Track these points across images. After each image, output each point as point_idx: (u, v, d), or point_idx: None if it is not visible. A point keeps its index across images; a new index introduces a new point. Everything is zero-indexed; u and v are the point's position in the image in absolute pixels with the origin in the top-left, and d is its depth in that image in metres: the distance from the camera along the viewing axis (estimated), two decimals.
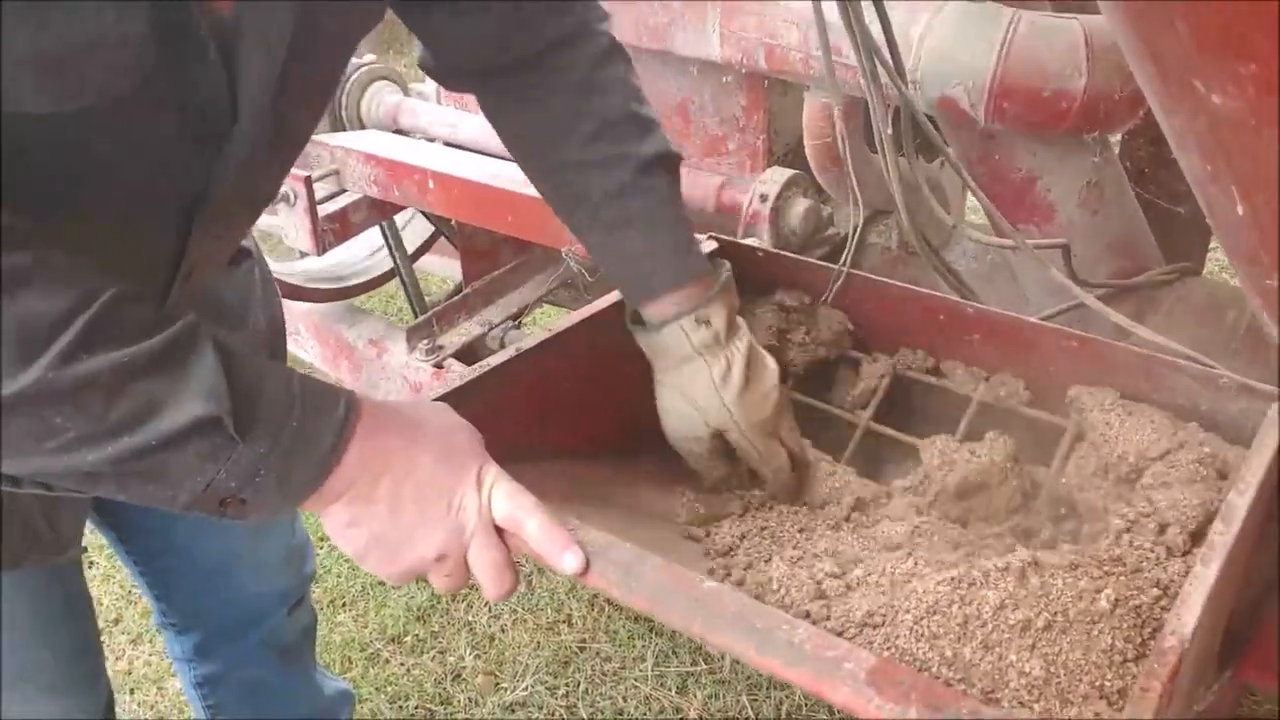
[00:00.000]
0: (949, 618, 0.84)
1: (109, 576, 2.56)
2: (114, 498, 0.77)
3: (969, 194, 1.70)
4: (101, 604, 2.44)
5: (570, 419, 1.18)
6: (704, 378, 1.10)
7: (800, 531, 1.09)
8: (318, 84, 0.98)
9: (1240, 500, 0.89)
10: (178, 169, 0.85)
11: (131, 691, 2.25)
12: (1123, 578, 0.90)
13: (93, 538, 1.39)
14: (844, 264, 1.31)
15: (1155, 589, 0.89)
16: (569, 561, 0.83)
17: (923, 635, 0.83)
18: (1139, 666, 0.84)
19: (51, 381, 0.68)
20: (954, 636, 0.82)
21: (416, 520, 0.84)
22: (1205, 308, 1.55)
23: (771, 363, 1.15)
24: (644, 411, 1.16)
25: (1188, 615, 0.77)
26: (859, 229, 1.39)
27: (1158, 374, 1.13)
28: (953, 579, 0.89)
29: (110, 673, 2.25)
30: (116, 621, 2.43)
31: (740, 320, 1.14)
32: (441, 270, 2.96)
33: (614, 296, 1.22)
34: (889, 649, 0.82)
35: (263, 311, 1.28)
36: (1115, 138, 1.69)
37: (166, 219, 0.89)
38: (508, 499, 0.86)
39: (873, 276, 1.31)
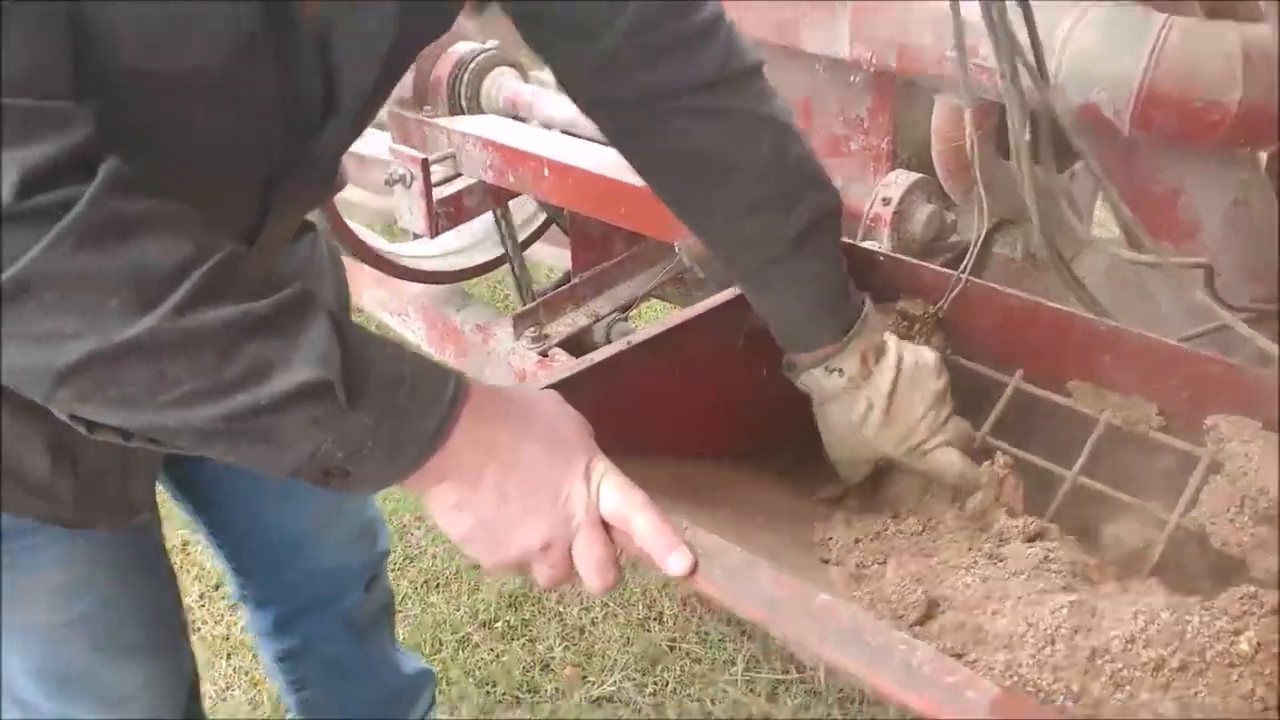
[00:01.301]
0: (1074, 649, 0.79)
1: (198, 543, 2.61)
2: (222, 459, 0.77)
3: (1099, 208, 1.64)
4: (205, 568, 2.50)
5: (683, 417, 1.15)
6: (844, 419, 1.15)
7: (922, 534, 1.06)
8: (396, 81, 1.00)
9: None
10: (267, 152, 0.87)
11: (229, 656, 2.30)
12: (1264, 619, 0.85)
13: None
14: (964, 270, 1.26)
15: None
16: (676, 563, 0.81)
17: (1045, 665, 0.79)
18: None
19: (167, 331, 0.68)
20: (1080, 669, 0.78)
21: (523, 510, 0.83)
22: None
23: (931, 382, 1.16)
24: (766, 414, 1.14)
25: None
26: (983, 235, 1.33)
27: None
28: (1074, 603, 0.84)
29: (209, 637, 2.32)
30: (217, 587, 2.48)
31: (890, 344, 1.16)
32: (550, 259, 2.96)
33: (732, 293, 1.19)
34: (1011, 676, 0.78)
35: (330, 289, 1.30)
36: (1264, 154, 1.60)
37: (249, 198, 0.92)
38: (617, 493, 0.84)
39: (996, 286, 1.26)
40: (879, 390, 1.13)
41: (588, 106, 1.09)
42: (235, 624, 2.39)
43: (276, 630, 1.57)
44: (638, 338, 1.10)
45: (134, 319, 0.68)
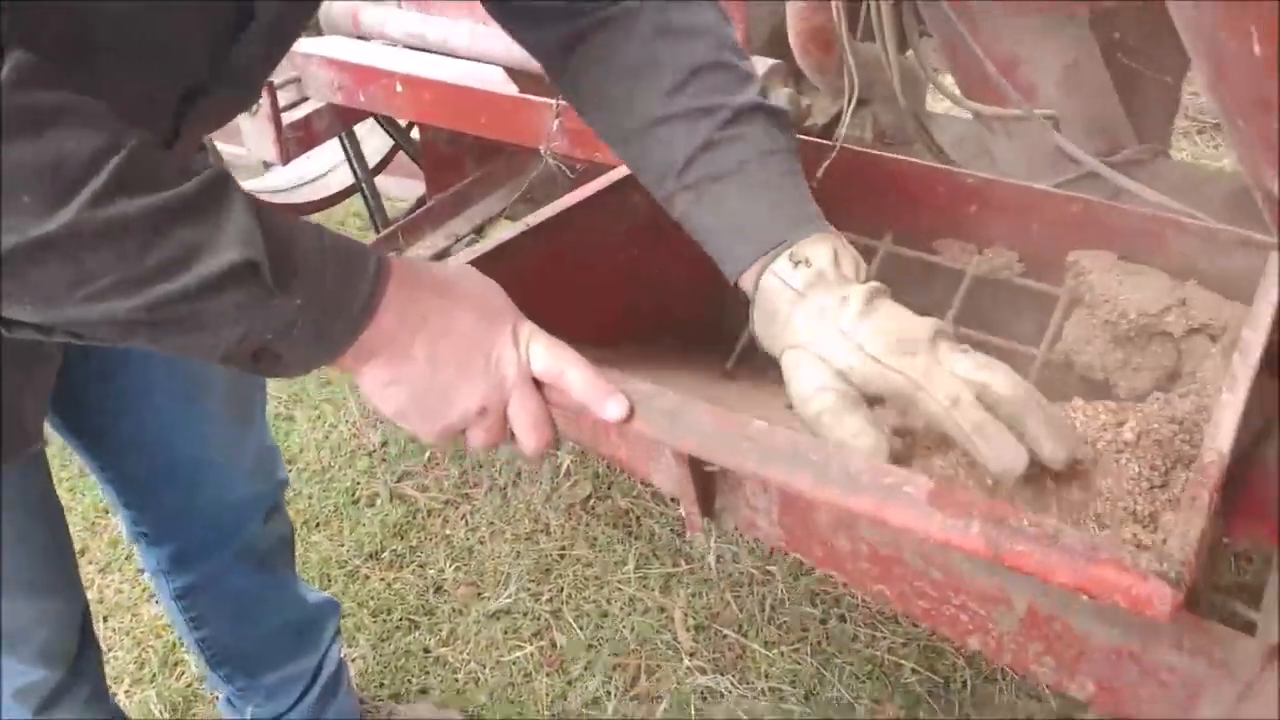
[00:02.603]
0: None
1: (69, 509, 2.50)
2: (148, 348, 0.75)
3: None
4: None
5: (583, 302, 1.16)
6: (813, 311, 0.90)
7: None
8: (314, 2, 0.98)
9: (1254, 335, 0.92)
10: (183, 59, 0.84)
11: (105, 619, 2.23)
12: (1140, 413, 0.93)
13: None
14: (837, 139, 1.31)
15: (1172, 424, 0.92)
16: (613, 409, 0.84)
17: (961, 465, 0.85)
18: (1165, 493, 0.87)
19: (86, 223, 0.66)
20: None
21: (456, 376, 0.84)
22: (1180, 186, 1.58)
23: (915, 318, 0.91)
24: (666, 295, 1.16)
25: (1223, 433, 0.80)
26: (853, 101, 1.38)
27: (1158, 234, 1.15)
28: None
29: None
30: (82, 553, 2.39)
31: (862, 262, 0.96)
32: (397, 191, 2.91)
33: (617, 174, 1.21)
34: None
35: None
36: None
37: (163, 107, 0.88)
38: (547, 351, 0.86)
39: (864, 149, 1.31)
40: (857, 290, 0.91)
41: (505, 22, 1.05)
42: (108, 587, 2.31)
43: (173, 567, 1.53)
44: (534, 220, 1.11)
45: (50, 214, 0.65)
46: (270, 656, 1.69)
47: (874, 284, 0.92)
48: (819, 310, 0.90)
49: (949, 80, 1.70)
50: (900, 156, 1.28)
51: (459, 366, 0.84)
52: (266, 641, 1.68)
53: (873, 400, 0.88)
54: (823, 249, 0.93)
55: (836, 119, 1.72)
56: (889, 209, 1.32)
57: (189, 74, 0.86)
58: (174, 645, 2.16)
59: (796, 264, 0.92)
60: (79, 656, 1.31)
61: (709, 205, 0.96)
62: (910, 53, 1.74)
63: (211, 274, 0.70)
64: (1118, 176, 1.30)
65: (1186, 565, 0.68)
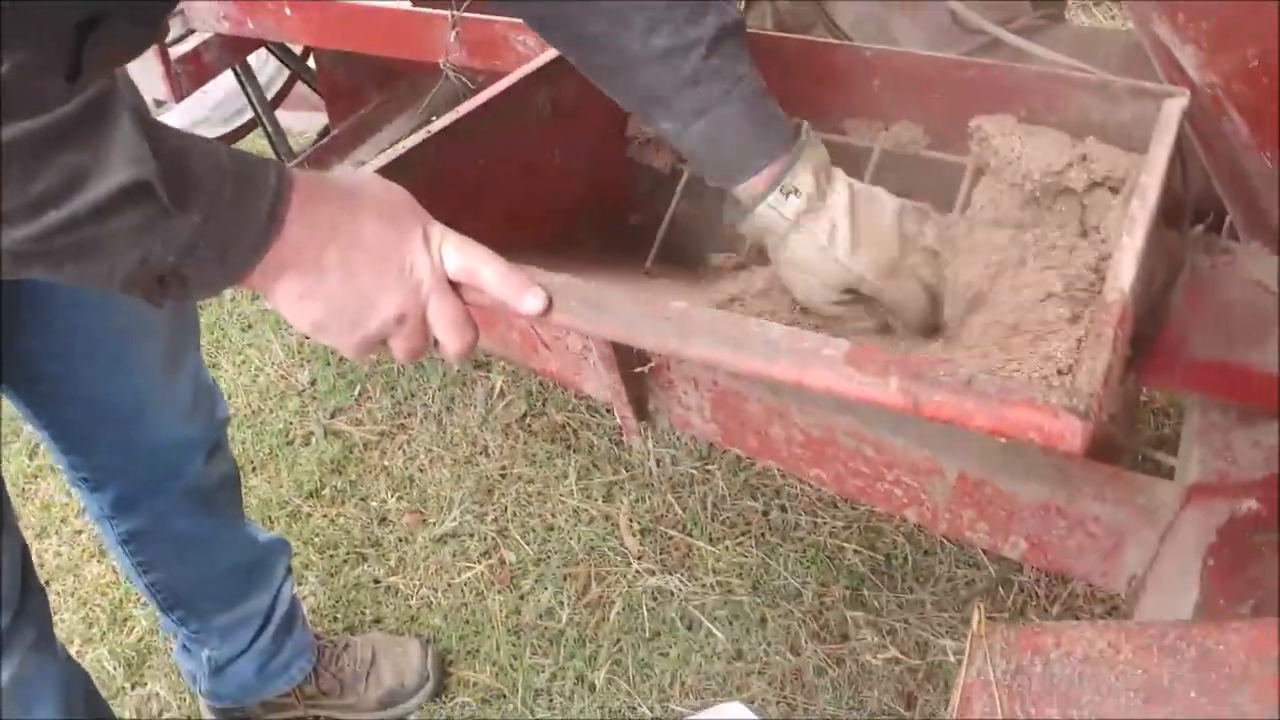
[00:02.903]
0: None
1: None
2: (48, 278, 0.73)
3: None
4: None
5: (492, 208, 1.16)
6: (810, 244, 1.05)
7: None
8: None
9: (1150, 180, 0.94)
10: None
11: (48, 583, 2.19)
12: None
13: None
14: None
15: (1090, 271, 0.95)
16: (531, 302, 0.84)
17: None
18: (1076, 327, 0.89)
19: None
20: None
21: (371, 285, 0.83)
22: (1075, 49, 1.60)
23: (884, 196, 1.09)
24: (573, 200, 1.15)
25: (1124, 273, 0.82)
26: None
27: (1054, 91, 1.16)
28: None
29: None
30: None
31: (836, 170, 1.08)
32: (298, 125, 2.84)
33: (518, 75, 1.19)
34: None
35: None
36: None
37: (60, 47, 0.84)
38: (459, 252, 0.85)
39: (768, 33, 1.31)
40: (839, 207, 1.04)
41: None
42: (46, 551, 2.28)
43: (116, 511, 1.51)
44: (437, 126, 1.10)
45: None
46: (222, 597, 1.69)
47: (848, 198, 1.04)
48: (815, 244, 1.04)
49: None
50: (800, 37, 1.28)
51: (373, 275, 0.83)
52: (217, 582, 1.68)
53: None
54: (806, 176, 1.03)
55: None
56: (795, 93, 1.31)
57: (83, 8, 0.82)
58: (121, 601, 2.15)
59: (787, 194, 1.03)
60: (21, 599, 1.29)
61: (696, 137, 1.04)
62: None
63: (100, 197, 0.68)
64: (1016, 39, 1.31)
65: (1094, 397, 0.71)
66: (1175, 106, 1.06)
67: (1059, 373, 0.86)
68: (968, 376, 0.73)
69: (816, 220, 1.04)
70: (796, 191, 1.03)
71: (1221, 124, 1.01)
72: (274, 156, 2.40)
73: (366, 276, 0.82)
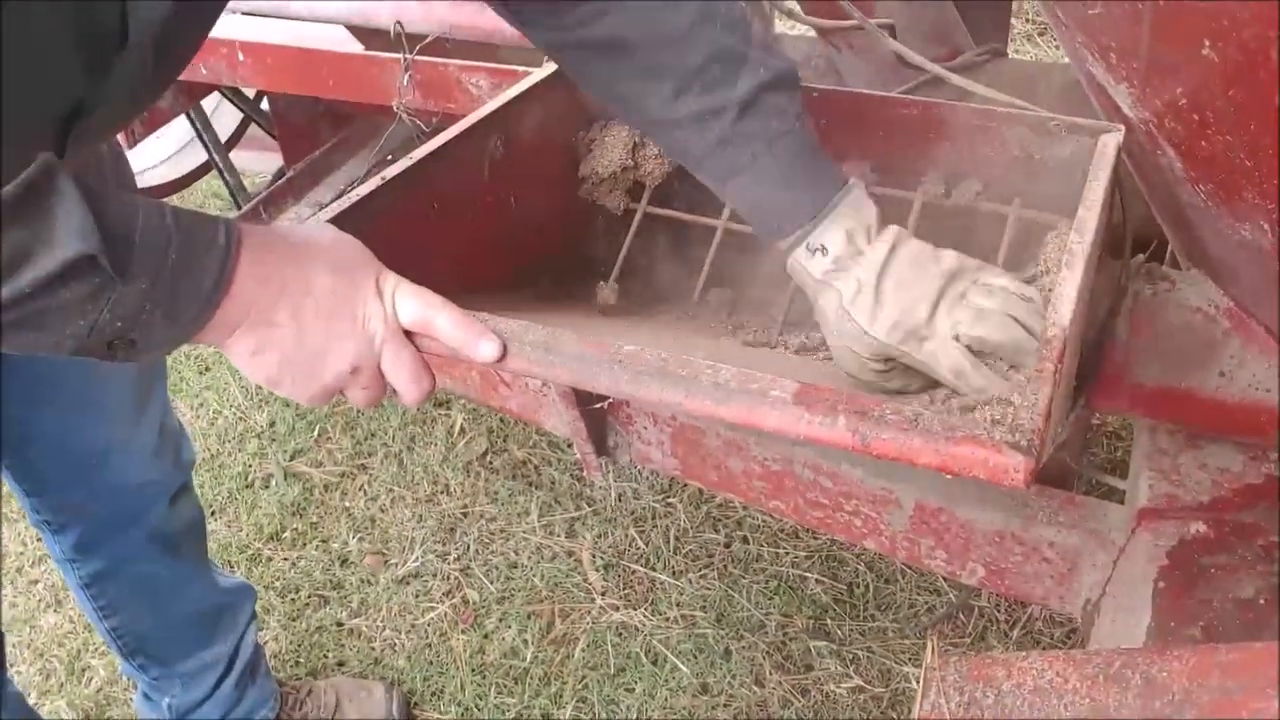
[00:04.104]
0: None
1: None
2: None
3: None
4: None
5: (440, 255, 1.16)
6: (834, 304, 0.99)
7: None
8: (201, 20, 0.94)
9: (1089, 214, 0.97)
10: (64, 81, 0.80)
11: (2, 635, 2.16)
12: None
13: None
14: None
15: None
16: (486, 349, 0.85)
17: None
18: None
19: None
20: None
21: (324, 337, 0.84)
22: (1016, 84, 1.64)
23: (934, 265, 0.98)
24: (518, 245, 1.16)
25: (1063, 308, 0.84)
26: None
27: (993, 128, 1.20)
28: None
29: None
30: None
31: (890, 228, 1.01)
32: (255, 166, 2.84)
33: (472, 120, 1.20)
34: None
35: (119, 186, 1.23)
36: None
37: (44, 126, 0.85)
38: (413, 300, 0.86)
39: None
40: (869, 267, 0.97)
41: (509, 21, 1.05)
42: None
43: (79, 554, 1.50)
44: (391, 173, 1.10)
45: None
46: (184, 644, 1.67)
47: (882, 258, 0.98)
48: (837, 308, 0.98)
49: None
50: None
51: (325, 328, 0.83)
52: (180, 628, 1.66)
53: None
54: (835, 234, 0.99)
55: None
56: None
57: (66, 96, 0.83)
58: (79, 652, 2.12)
59: (813, 252, 0.99)
60: None
61: (730, 196, 1.04)
62: None
63: (46, 273, 0.69)
64: (954, 78, 1.35)
65: (1036, 433, 0.73)
66: (1112, 142, 1.09)
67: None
68: (914, 415, 0.75)
69: (845, 280, 0.99)
70: (824, 250, 0.99)
71: (1157, 158, 1.04)
72: (232, 199, 2.40)
73: (319, 330, 0.83)
